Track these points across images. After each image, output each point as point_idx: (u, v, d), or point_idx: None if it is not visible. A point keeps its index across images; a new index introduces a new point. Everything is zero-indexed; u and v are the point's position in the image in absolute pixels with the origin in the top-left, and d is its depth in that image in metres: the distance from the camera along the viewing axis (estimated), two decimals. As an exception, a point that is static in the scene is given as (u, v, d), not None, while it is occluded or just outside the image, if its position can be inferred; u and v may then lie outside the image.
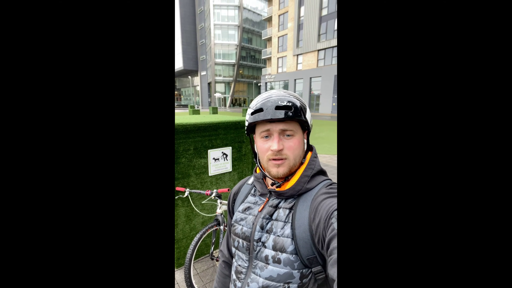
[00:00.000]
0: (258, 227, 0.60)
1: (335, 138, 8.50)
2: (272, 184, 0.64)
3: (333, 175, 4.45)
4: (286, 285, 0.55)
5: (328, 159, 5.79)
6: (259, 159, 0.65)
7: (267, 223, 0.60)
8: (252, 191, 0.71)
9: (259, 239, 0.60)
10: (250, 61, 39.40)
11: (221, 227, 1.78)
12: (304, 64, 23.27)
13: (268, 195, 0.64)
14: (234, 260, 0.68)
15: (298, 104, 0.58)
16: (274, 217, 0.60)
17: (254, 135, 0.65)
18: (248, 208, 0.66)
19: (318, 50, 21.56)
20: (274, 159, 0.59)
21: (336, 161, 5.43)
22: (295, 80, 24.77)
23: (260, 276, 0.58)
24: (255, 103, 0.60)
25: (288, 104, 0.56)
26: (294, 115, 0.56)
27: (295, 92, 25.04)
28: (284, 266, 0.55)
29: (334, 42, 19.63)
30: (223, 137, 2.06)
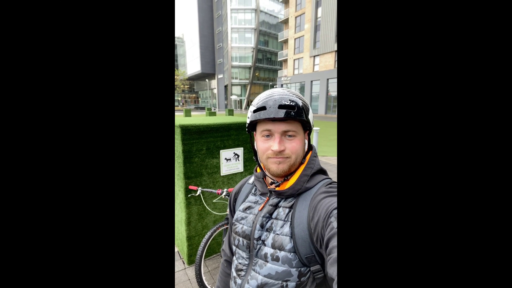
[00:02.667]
0: (258, 226, 0.61)
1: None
2: (272, 184, 0.64)
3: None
4: (284, 283, 0.55)
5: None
6: (259, 158, 0.65)
7: (267, 222, 0.61)
8: (253, 191, 0.71)
9: (259, 237, 0.60)
10: (266, 64, 39.49)
11: (232, 226, 1.81)
12: (321, 65, 22.89)
13: (269, 194, 0.64)
14: (234, 258, 0.69)
15: (300, 103, 0.58)
16: (274, 216, 0.61)
17: (254, 133, 0.66)
18: (249, 207, 0.67)
19: (336, 51, 21.12)
20: (275, 157, 0.59)
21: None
22: (311, 81, 24.42)
23: (259, 274, 0.58)
24: (257, 101, 0.61)
25: (291, 103, 0.56)
26: (296, 115, 0.56)
27: (311, 94, 24.68)
28: (282, 264, 0.55)
29: (353, 42, 19.08)
30: (235, 138, 2.09)
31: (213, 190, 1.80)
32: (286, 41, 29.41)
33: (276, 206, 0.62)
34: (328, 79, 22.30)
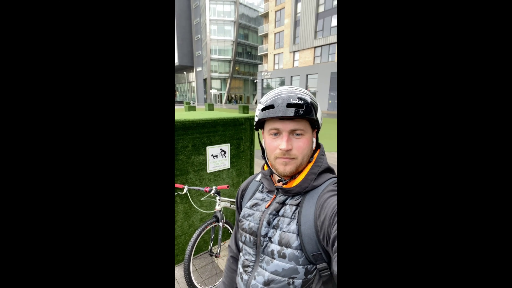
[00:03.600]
0: (265, 223, 0.61)
1: (332, 134, 8.53)
2: (279, 181, 0.65)
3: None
4: (291, 280, 0.56)
5: (328, 155, 5.81)
6: (266, 156, 0.65)
7: (273, 219, 0.61)
8: (260, 188, 0.71)
9: (266, 234, 0.61)
10: (246, 58, 39.11)
11: (220, 223, 1.78)
12: (301, 61, 23.23)
13: (275, 192, 0.65)
14: (241, 254, 0.69)
15: (309, 101, 0.58)
16: (280, 213, 0.61)
17: (262, 131, 0.65)
18: (256, 204, 0.67)
19: (315, 47, 21.51)
20: (282, 157, 0.59)
21: (336, 158, 5.46)
22: (291, 77, 24.72)
23: (266, 270, 0.59)
24: (265, 99, 0.60)
25: (299, 102, 0.56)
26: (305, 114, 0.56)
27: (291, 89, 25.07)
28: (289, 261, 0.56)
29: (331, 39, 19.60)
30: (221, 134, 2.05)
31: (200, 188, 1.75)
32: (266, 36, 29.31)
33: (283, 203, 0.62)
34: (307, 75, 22.72)
